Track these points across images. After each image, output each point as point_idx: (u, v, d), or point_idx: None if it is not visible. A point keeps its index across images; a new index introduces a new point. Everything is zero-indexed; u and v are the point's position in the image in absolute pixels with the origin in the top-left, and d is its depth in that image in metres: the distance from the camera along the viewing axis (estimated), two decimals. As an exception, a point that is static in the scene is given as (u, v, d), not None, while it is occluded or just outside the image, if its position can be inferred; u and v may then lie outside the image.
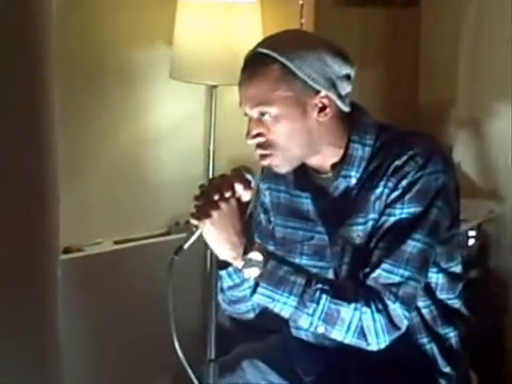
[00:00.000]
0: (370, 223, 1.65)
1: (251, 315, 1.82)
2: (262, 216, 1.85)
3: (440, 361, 1.74)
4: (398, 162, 1.62)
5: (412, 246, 1.60)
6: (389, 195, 1.63)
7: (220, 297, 1.77)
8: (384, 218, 1.63)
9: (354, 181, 1.68)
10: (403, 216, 1.61)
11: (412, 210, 1.61)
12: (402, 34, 3.19)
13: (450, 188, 1.66)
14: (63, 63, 2.49)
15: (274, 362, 1.88)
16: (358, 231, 1.68)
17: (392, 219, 1.62)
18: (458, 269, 1.77)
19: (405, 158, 1.62)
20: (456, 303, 1.77)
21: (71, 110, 2.61)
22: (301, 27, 2.71)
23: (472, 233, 2.77)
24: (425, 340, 1.73)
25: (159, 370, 2.35)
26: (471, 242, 2.77)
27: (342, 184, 1.69)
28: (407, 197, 1.61)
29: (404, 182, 1.61)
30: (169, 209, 2.81)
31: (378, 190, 1.64)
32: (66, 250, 2.63)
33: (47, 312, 2.23)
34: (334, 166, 1.69)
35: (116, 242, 2.77)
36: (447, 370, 1.75)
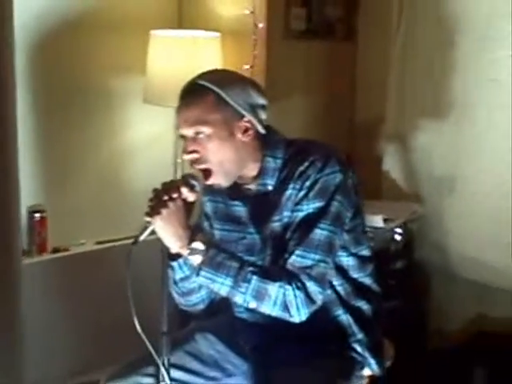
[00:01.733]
0: (285, 220, 1.84)
1: (201, 306, 2.00)
2: (206, 223, 2.03)
3: (354, 329, 1.95)
4: (301, 168, 1.83)
5: (319, 234, 1.79)
6: (297, 195, 1.83)
7: (173, 290, 1.94)
8: (295, 214, 1.82)
9: (270, 187, 1.88)
10: (309, 211, 1.81)
11: (316, 204, 1.80)
12: (341, 63, 3.38)
13: (348, 185, 1.85)
14: (53, 89, 2.85)
15: (222, 334, 2.04)
16: (276, 227, 1.86)
17: (301, 214, 1.81)
18: (366, 252, 1.98)
19: (306, 163, 1.82)
20: (367, 281, 1.98)
21: (59, 127, 2.90)
22: (254, 59, 2.89)
23: (398, 230, 2.98)
24: (341, 312, 1.93)
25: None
26: (397, 237, 2.98)
27: (261, 191, 1.89)
28: (311, 194, 1.81)
29: (307, 183, 1.81)
30: (143, 213, 3.08)
31: (288, 192, 1.84)
32: (55, 250, 2.90)
33: (11, 308, 2.44)
34: (254, 177, 1.89)
35: (98, 243, 3.00)
36: (360, 336, 1.95)
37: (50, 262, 2.88)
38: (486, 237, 2.99)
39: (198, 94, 1.81)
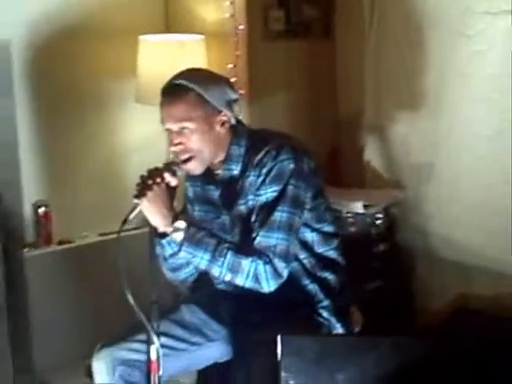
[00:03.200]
0: (250, 203, 2.03)
1: (190, 280, 2.18)
2: (188, 206, 2.23)
3: (321, 296, 2.12)
4: (259, 157, 2.01)
5: (279, 216, 1.97)
6: (256, 181, 2.01)
7: (164, 267, 2.12)
8: (256, 199, 2.01)
9: (235, 172, 2.06)
10: (268, 195, 1.99)
11: (273, 188, 1.98)
12: (320, 60, 3.48)
13: (304, 169, 2.02)
14: (50, 91, 3.03)
15: (203, 305, 2.22)
16: (242, 210, 2.05)
17: (261, 198, 2.00)
18: (330, 228, 2.14)
19: (263, 152, 2.01)
20: (332, 254, 2.15)
21: (60, 127, 3.08)
22: (236, 58, 3.06)
23: (379, 215, 3.15)
24: (308, 282, 2.10)
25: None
26: (378, 222, 3.14)
27: (227, 175, 2.07)
28: (267, 180, 1.99)
29: (264, 170, 1.99)
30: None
31: (250, 179, 2.03)
32: (60, 242, 3.09)
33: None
34: (221, 162, 2.08)
35: (100, 235, 3.16)
36: (326, 303, 2.12)
37: (56, 253, 3.07)
38: (465, 219, 3.11)
39: (181, 92, 1.98)
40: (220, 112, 2.02)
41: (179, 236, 1.95)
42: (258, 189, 2.01)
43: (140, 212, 1.94)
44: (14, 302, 2.99)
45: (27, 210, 3.05)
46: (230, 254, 1.94)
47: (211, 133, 2.01)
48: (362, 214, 3.12)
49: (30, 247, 3.04)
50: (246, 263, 1.93)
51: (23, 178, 3.04)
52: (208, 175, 2.11)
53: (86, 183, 3.17)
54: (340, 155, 3.62)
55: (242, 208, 2.06)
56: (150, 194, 1.91)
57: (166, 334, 2.05)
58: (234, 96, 2.06)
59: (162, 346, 1.91)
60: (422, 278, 3.32)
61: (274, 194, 1.99)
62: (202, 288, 2.26)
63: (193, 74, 2.07)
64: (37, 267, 3.02)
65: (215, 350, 2.19)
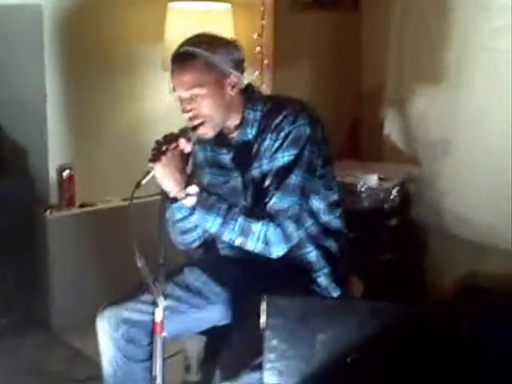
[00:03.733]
0: (264, 167, 2.03)
1: (196, 244, 2.20)
2: (198, 170, 2.19)
3: (322, 263, 2.13)
4: (276, 121, 2.01)
5: (294, 179, 1.98)
6: (273, 145, 2.01)
7: (172, 230, 2.12)
8: (272, 162, 2.01)
9: (250, 136, 2.07)
10: (285, 158, 1.99)
11: (290, 152, 1.99)
12: (346, 32, 3.53)
13: (317, 136, 2.03)
14: (79, 55, 3.07)
15: (206, 268, 2.24)
16: (256, 173, 2.05)
17: (277, 162, 2.00)
18: (335, 197, 2.15)
19: (281, 117, 2.00)
20: (336, 223, 2.16)
21: (85, 91, 3.12)
22: (262, 28, 3.10)
23: (394, 189, 3.18)
24: (311, 248, 2.11)
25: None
26: (392, 196, 3.18)
27: (242, 139, 2.08)
28: (285, 144, 1.99)
29: (282, 134, 2.00)
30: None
31: (266, 143, 2.03)
32: (82, 205, 3.15)
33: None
34: (236, 126, 2.08)
35: (123, 200, 3.16)
36: (326, 270, 2.14)
37: (78, 215, 3.15)
38: (479, 197, 3.15)
39: (189, 59, 2.00)
40: (229, 74, 2.03)
41: (191, 201, 1.98)
42: (274, 152, 2.02)
43: (153, 177, 1.96)
44: (35, 262, 3.06)
45: (52, 172, 3.12)
46: (241, 218, 1.96)
47: (222, 97, 2.03)
48: (376, 188, 3.16)
49: (53, 209, 3.11)
50: (257, 227, 1.96)
51: (49, 141, 3.10)
52: (219, 139, 2.12)
53: (110, 148, 3.23)
54: (360, 127, 3.65)
55: (256, 171, 2.07)
56: (164, 158, 1.93)
57: (168, 296, 2.03)
58: (239, 56, 2.07)
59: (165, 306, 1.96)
60: (433, 254, 3.36)
61: (291, 157, 2.00)
62: (206, 252, 2.29)
63: (199, 39, 2.07)
64: (59, 229, 3.09)
65: (215, 313, 2.22)
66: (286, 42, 3.26)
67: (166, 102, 3.13)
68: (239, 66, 2.07)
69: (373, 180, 3.15)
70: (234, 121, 2.10)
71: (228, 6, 3.13)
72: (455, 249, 3.27)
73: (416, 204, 3.35)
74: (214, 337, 2.35)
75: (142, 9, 3.16)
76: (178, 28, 3.07)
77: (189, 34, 2.82)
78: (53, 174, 3.13)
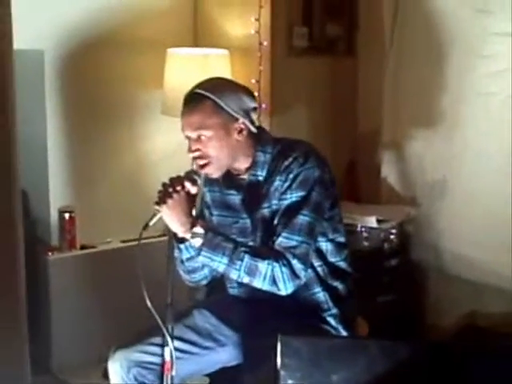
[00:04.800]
0: (274, 207, 2.09)
1: (204, 282, 2.25)
2: (206, 211, 2.28)
3: (330, 304, 2.17)
4: (286, 163, 2.07)
5: (302, 219, 2.02)
6: (282, 186, 2.07)
7: (181, 269, 2.19)
8: (281, 202, 2.07)
9: (260, 178, 2.12)
10: (293, 199, 2.05)
11: (298, 193, 2.05)
12: (342, 77, 3.54)
13: (325, 179, 2.09)
14: (80, 100, 3.13)
15: (215, 310, 2.28)
16: (265, 213, 2.11)
17: (286, 202, 2.06)
18: (342, 239, 2.20)
19: (290, 159, 2.07)
20: (343, 264, 2.21)
21: (86, 135, 3.17)
22: (260, 74, 3.14)
23: (393, 230, 3.22)
24: (319, 289, 2.15)
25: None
26: (392, 237, 3.21)
27: (252, 181, 2.13)
28: (294, 185, 2.05)
29: (291, 176, 2.06)
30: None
31: (276, 184, 2.09)
32: (83, 247, 3.17)
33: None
34: (247, 169, 2.14)
35: (123, 241, 3.23)
36: (334, 311, 2.17)
37: (79, 257, 3.16)
38: (477, 236, 3.16)
39: (199, 101, 2.07)
40: (237, 120, 2.08)
41: (198, 241, 2.01)
42: (283, 193, 2.07)
43: (160, 218, 2.01)
44: (36, 303, 3.04)
45: (54, 214, 3.13)
46: (247, 258, 1.99)
47: (228, 140, 2.08)
48: (376, 228, 3.19)
49: (54, 251, 3.13)
50: (263, 266, 1.99)
51: (51, 183, 3.13)
52: (228, 180, 2.17)
53: (111, 190, 3.26)
54: (357, 170, 3.68)
55: (265, 211, 2.11)
56: (170, 201, 1.99)
57: (179, 338, 2.11)
58: (252, 104, 2.12)
59: (176, 349, 1.99)
60: (433, 294, 3.38)
61: (299, 198, 2.05)
62: (214, 293, 2.33)
63: (211, 83, 2.14)
64: (60, 270, 3.10)
65: (225, 355, 2.25)
66: (282, 87, 3.30)
67: (165, 146, 3.35)
68: (249, 113, 2.11)
69: (371, 222, 3.18)
70: (243, 163, 2.15)
71: (226, 51, 3.19)
72: (455, 288, 3.28)
73: (415, 244, 3.38)
74: (218, 377, 2.36)
75: (142, 54, 3.23)
76: (178, 73, 3.13)
77: (187, 80, 2.87)
78: (54, 216, 3.14)
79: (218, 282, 2.26)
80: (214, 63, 3.13)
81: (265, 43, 3.17)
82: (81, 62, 3.12)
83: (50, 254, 3.12)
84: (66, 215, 3.13)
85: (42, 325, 3.10)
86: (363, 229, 3.20)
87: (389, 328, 2.47)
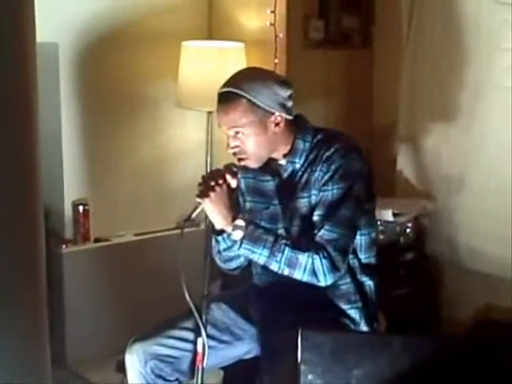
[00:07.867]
0: (313, 197, 2.08)
1: (239, 270, 2.28)
2: (240, 198, 2.28)
3: (356, 297, 2.17)
4: (327, 153, 2.07)
5: (343, 212, 2.03)
6: (323, 177, 2.06)
7: (217, 258, 2.21)
8: (322, 194, 2.06)
9: (298, 166, 2.12)
10: (334, 191, 2.04)
11: (340, 186, 2.04)
12: (358, 70, 3.55)
13: (365, 172, 2.10)
14: (94, 92, 3.14)
15: (233, 304, 2.28)
16: (303, 203, 2.10)
17: (327, 194, 2.05)
18: (374, 235, 2.20)
19: (332, 149, 2.07)
20: (373, 260, 2.21)
21: (101, 128, 3.18)
22: (275, 66, 3.11)
23: (409, 224, 3.20)
24: (348, 280, 2.15)
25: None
26: (408, 230, 3.20)
27: (289, 168, 2.13)
28: (336, 177, 2.05)
29: (333, 167, 2.05)
30: (178, 208, 3.23)
31: (316, 174, 2.08)
32: (97, 240, 3.20)
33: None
34: (284, 155, 2.14)
35: (136, 234, 3.28)
36: (360, 304, 2.18)
37: (93, 250, 3.18)
38: (492, 230, 3.16)
39: (233, 100, 2.06)
40: (273, 113, 2.08)
41: (239, 234, 2.03)
42: (324, 184, 2.06)
43: (202, 211, 2.04)
44: (50, 296, 3.01)
45: (68, 207, 3.15)
46: (287, 250, 2.01)
47: (265, 134, 2.09)
48: (392, 222, 3.17)
49: (68, 244, 3.15)
50: (303, 258, 2.00)
51: (65, 176, 3.14)
52: (264, 166, 2.17)
53: (124, 183, 3.27)
54: (373, 163, 3.64)
55: (303, 201, 2.11)
56: (212, 194, 2.01)
57: (196, 332, 2.13)
58: (286, 94, 2.10)
59: (193, 343, 2.02)
60: (449, 288, 3.37)
61: (340, 190, 2.04)
62: (230, 287, 2.34)
63: (243, 79, 2.11)
64: (74, 263, 3.13)
65: (242, 348, 2.26)
66: (298, 80, 3.21)
67: (179, 139, 3.37)
68: (284, 103, 2.09)
69: (387, 215, 3.16)
70: (282, 151, 2.15)
71: (241, 44, 3.18)
72: (470, 282, 3.28)
73: (431, 238, 3.37)
74: (233, 371, 2.38)
75: (156, 47, 3.24)
76: (192, 66, 3.13)
77: (202, 73, 3.04)
78: (68, 209, 3.16)
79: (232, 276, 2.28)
80: (229, 56, 3.12)
81: (280, 35, 3.16)
82: (95, 55, 3.12)
83: (63, 246, 3.14)
84: (80, 208, 3.14)
85: (56, 318, 3.07)
86: (379, 222, 3.16)
87: (404, 322, 2.45)
